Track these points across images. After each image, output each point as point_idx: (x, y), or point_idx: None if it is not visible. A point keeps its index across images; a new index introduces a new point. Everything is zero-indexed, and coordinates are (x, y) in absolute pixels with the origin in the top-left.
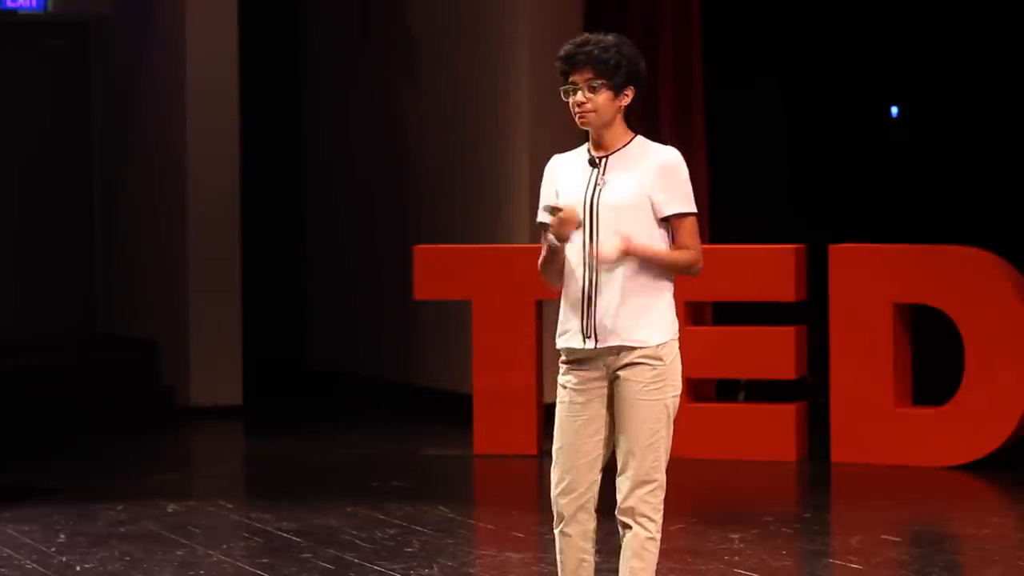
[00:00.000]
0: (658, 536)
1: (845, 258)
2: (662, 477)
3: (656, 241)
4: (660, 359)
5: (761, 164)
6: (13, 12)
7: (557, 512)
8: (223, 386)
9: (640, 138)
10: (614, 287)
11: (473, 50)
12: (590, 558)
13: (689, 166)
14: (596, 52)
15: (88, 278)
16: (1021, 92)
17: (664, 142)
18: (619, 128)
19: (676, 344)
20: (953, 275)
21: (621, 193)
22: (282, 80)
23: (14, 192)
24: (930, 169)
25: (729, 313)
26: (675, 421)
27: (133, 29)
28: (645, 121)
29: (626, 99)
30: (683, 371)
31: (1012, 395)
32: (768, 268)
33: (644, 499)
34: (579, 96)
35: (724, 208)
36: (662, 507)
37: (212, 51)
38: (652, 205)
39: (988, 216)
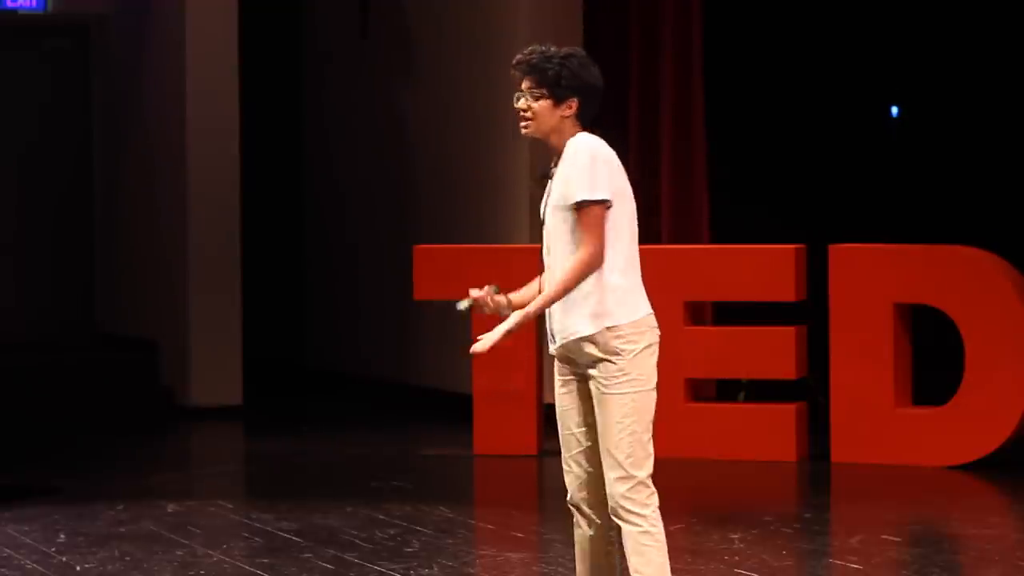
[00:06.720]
0: (654, 529)
1: (845, 258)
2: (642, 473)
3: None
4: (619, 354)
5: (761, 164)
6: (13, 12)
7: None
8: (223, 386)
9: (576, 136)
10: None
11: (473, 50)
12: (583, 550)
13: (689, 166)
14: (536, 61)
15: (88, 277)
16: (1021, 92)
17: (664, 141)
18: (568, 136)
19: (640, 333)
20: (953, 275)
21: (552, 198)
22: (282, 80)
23: (14, 192)
24: (930, 169)
25: (729, 313)
26: (656, 416)
27: (133, 29)
28: (644, 121)
29: (569, 110)
30: (684, 371)
31: (1012, 395)
32: (768, 268)
33: (626, 496)
34: (521, 103)
35: (724, 208)
36: (651, 502)
37: (212, 51)
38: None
39: (988, 216)
